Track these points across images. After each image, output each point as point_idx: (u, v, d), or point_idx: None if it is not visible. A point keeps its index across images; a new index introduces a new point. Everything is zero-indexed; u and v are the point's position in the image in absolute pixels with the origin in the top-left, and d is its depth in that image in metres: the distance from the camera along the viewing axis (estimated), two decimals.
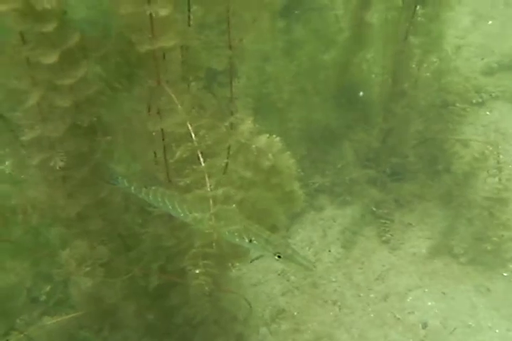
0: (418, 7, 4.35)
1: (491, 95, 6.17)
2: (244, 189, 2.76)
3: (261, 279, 5.40)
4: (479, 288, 5.11)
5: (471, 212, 5.35)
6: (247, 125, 2.47)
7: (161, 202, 2.86)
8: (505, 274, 5.17)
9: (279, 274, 5.43)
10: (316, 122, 5.92)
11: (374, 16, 4.76)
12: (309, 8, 5.79)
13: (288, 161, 2.68)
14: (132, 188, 2.99)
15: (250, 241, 2.74)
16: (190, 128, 2.27)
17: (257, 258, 5.38)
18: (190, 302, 3.33)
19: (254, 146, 2.51)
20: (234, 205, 2.36)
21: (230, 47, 2.36)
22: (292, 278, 5.40)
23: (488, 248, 5.14)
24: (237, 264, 3.32)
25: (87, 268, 2.73)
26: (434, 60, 4.86)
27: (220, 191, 2.29)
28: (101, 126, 2.52)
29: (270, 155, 2.54)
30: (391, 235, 5.59)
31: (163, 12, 2.06)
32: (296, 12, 5.74)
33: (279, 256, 2.74)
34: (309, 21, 5.65)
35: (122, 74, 2.39)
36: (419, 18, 4.38)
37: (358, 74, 5.79)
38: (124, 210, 3.09)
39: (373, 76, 5.71)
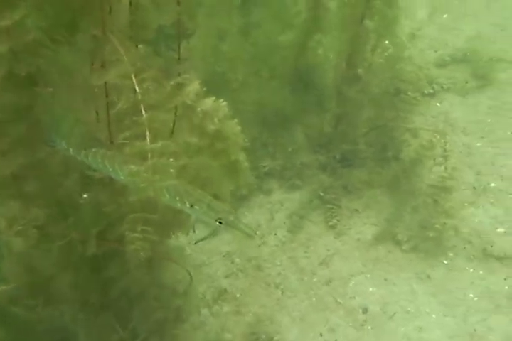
0: None
1: (442, 87, 6.31)
2: (187, 155, 2.71)
3: (205, 261, 5.36)
4: (420, 275, 5.21)
5: (416, 200, 5.45)
6: (194, 86, 2.41)
7: (101, 163, 2.77)
8: (445, 262, 5.29)
9: (223, 256, 5.41)
10: (269, 105, 5.90)
11: None
12: None
13: (234, 128, 2.64)
14: (71, 150, 2.89)
15: (191, 206, 2.68)
16: (134, 80, 2.18)
17: (202, 239, 5.34)
18: (129, 274, 3.26)
19: (199, 109, 2.46)
20: (171, 159, 2.30)
21: (179, 3, 2.29)
22: (237, 260, 5.39)
23: (431, 235, 5.25)
24: (179, 234, 3.25)
25: (19, 228, 2.61)
26: (389, 45, 4.90)
27: (159, 144, 2.22)
28: (40, 78, 2.40)
29: (216, 120, 2.50)
30: (337, 220, 5.64)
31: None
32: None
33: (220, 222, 2.70)
34: (266, 3, 5.62)
35: (63, 23, 2.29)
36: (376, 2, 4.40)
37: (314, 57, 5.78)
38: (62, 173, 2.98)
39: (328, 59, 5.72)
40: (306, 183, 5.88)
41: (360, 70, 5.13)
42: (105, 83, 2.41)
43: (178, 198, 2.65)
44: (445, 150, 4.94)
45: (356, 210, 5.75)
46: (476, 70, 6.35)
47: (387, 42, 4.85)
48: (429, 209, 5.27)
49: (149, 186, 2.24)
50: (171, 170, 2.28)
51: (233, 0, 5.12)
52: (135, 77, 2.22)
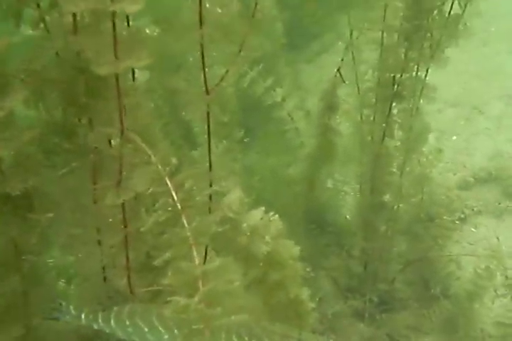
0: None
1: (473, 210, 5.90)
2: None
3: None
4: None
5: None
6: (236, 194, 1.91)
7: (131, 325, 2.05)
8: None
9: None
10: None
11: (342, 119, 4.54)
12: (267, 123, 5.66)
13: (292, 250, 2.08)
14: (83, 317, 2.17)
15: None
16: (170, 185, 1.66)
17: None
18: None
19: (245, 225, 1.92)
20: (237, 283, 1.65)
21: (207, 92, 1.89)
22: None
23: None
24: None
25: None
26: (416, 165, 4.59)
27: (214, 264, 1.60)
28: (36, 202, 1.85)
29: (268, 238, 1.95)
30: None
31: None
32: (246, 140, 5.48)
33: None
34: (267, 136, 5.48)
35: (62, 123, 1.82)
36: (398, 115, 4.16)
37: (324, 192, 5.47)
38: None
39: (342, 192, 5.40)
40: (342, 336, 5.09)
41: (386, 196, 4.73)
42: (123, 205, 1.87)
43: None
44: (506, 278, 4.35)
45: None
46: (507, 188, 6.01)
47: (413, 160, 4.53)
48: None
49: (206, 327, 1.58)
50: (238, 298, 1.65)
51: (234, 134, 4.90)
52: (169, 180, 1.71)
